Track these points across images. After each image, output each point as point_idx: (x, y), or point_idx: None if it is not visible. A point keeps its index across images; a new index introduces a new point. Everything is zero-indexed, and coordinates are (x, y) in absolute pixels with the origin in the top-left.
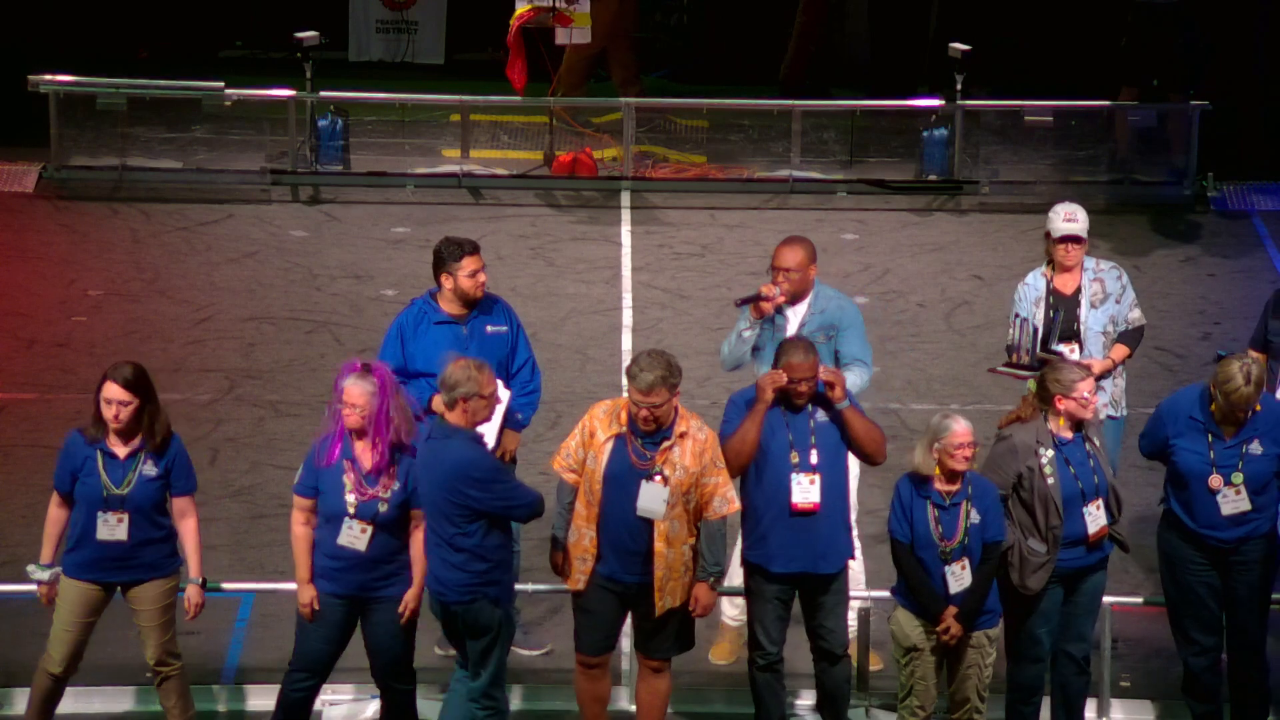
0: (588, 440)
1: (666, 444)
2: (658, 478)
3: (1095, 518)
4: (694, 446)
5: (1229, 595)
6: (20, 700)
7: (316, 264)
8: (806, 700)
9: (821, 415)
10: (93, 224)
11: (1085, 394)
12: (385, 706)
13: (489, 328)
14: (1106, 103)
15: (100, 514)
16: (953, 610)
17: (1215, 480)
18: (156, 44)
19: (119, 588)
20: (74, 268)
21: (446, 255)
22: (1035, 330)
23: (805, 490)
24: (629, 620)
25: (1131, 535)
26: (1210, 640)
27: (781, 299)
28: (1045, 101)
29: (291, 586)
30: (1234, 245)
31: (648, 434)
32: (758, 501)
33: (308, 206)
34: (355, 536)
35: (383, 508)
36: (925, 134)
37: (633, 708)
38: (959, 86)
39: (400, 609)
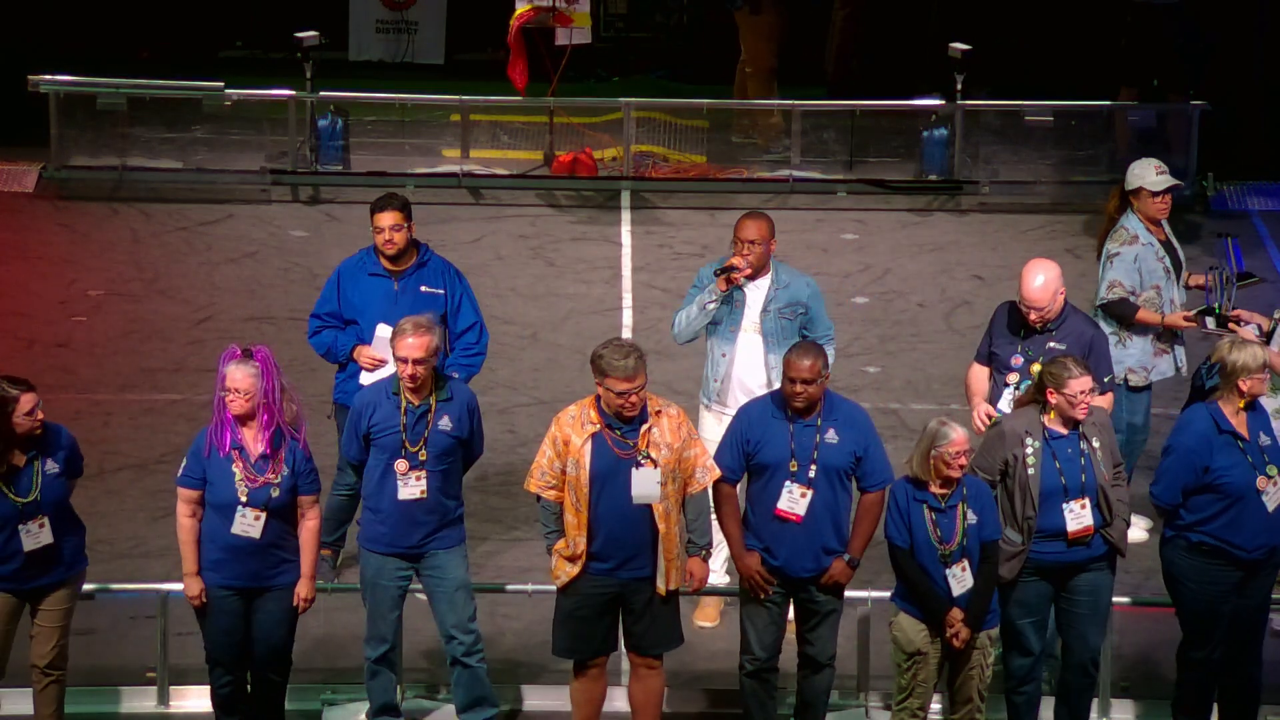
0: (563, 450)
1: (645, 427)
2: (646, 462)
3: (1078, 516)
4: (670, 423)
5: (1248, 599)
6: (16, 700)
7: (316, 264)
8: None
9: (831, 435)
10: (93, 224)
11: (1078, 392)
12: (257, 698)
13: (423, 287)
14: (1106, 103)
15: (21, 527)
16: (958, 613)
17: (1262, 481)
18: (156, 44)
19: (35, 594)
20: (74, 268)
21: (372, 206)
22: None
23: (793, 500)
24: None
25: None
26: (1215, 655)
27: (748, 270)
28: (1045, 101)
29: None
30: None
31: (626, 423)
32: (762, 509)
33: (308, 206)
34: (249, 524)
35: (275, 493)
36: (925, 134)
37: (624, 708)
38: (959, 86)
39: (295, 602)
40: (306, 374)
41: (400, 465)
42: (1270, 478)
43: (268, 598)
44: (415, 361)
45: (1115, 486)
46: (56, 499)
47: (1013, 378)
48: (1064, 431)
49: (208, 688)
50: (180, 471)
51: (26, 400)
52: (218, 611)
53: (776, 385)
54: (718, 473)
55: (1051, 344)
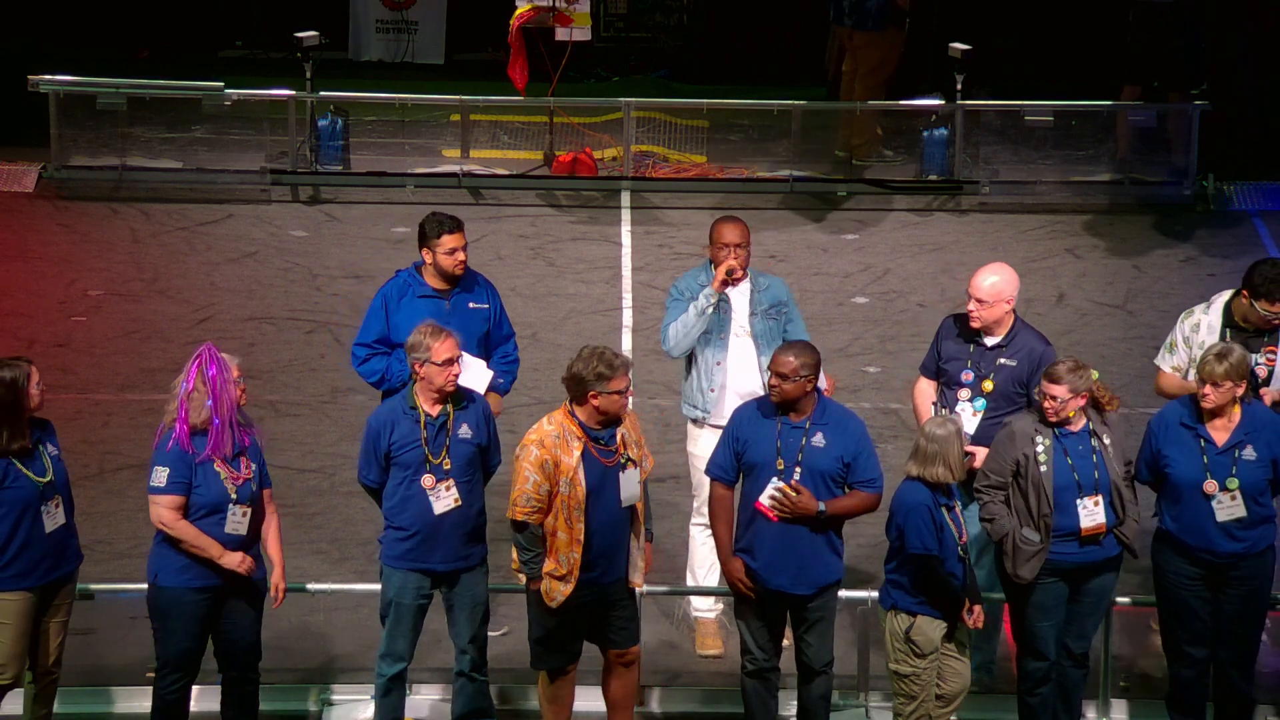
0: (552, 473)
1: (619, 430)
2: (629, 465)
3: (1091, 513)
4: (629, 420)
5: (1220, 608)
6: (10, 701)
7: (316, 264)
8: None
9: (819, 439)
10: (93, 224)
11: (1050, 393)
12: (235, 700)
13: (471, 304)
14: (1107, 103)
15: (43, 507)
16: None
17: (1210, 485)
18: (156, 44)
19: (49, 591)
20: (74, 268)
21: (428, 231)
22: None
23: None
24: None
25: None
26: (1201, 653)
27: (741, 275)
28: (1045, 101)
29: (292, 586)
30: (1234, 245)
31: (606, 427)
32: (749, 509)
33: (308, 206)
34: (239, 522)
35: (253, 488)
36: (925, 134)
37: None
38: (959, 86)
39: (273, 593)
40: (306, 374)
41: (427, 480)
42: (1228, 490)
43: (241, 596)
44: (456, 359)
45: (1126, 487)
46: (64, 481)
47: (964, 393)
48: (1075, 429)
49: (208, 687)
50: (163, 480)
51: (35, 371)
52: (190, 616)
53: None
54: (651, 460)
55: (1002, 360)
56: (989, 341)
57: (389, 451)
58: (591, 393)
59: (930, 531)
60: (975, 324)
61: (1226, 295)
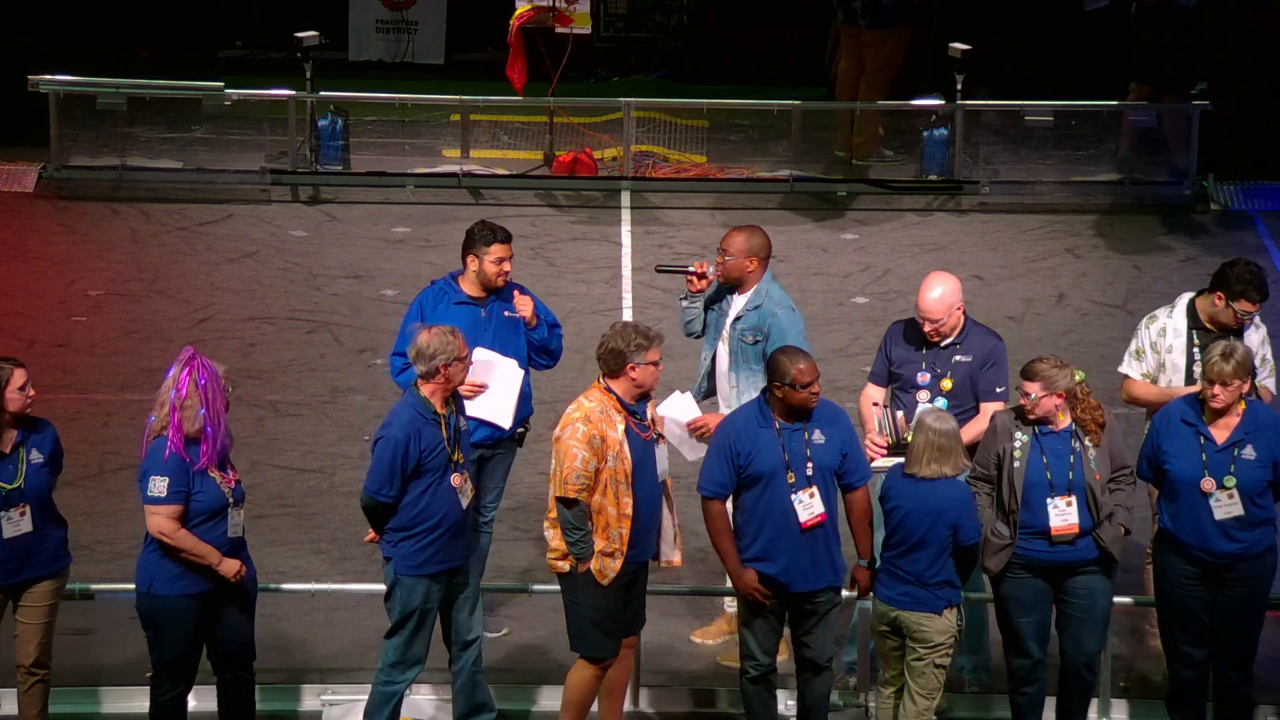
0: (600, 448)
1: (649, 404)
2: (661, 440)
3: (1062, 512)
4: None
5: (1217, 609)
6: (10, 701)
7: (316, 264)
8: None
9: (818, 436)
10: (93, 224)
11: (1024, 389)
12: (230, 700)
13: (506, 313)
14: (1107, 103)
15: (3, 514)
16: None
17: (1207, 483)
18: (156, 44)
19: (14, 590)
20: (74, 268)
21: (478, 238)
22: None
23: (808, 506)
24: None
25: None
26: (1199, 653)
27: (713, 276)
28: (1045, 101)
29: (293, 587)
30: (1234, 246)
31: (639, 401)
32: (758, 518)
33: (308, 206)
34: (236, 524)
35: (242, 489)
36: (925, 134)
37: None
38: (959, 86)
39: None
40: (306, 374)
41: (456, 479)
42: (1225, 488)
43: (232, 597)
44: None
45: (1117, 491)
46: (39, 489)
47: (923, 395)
48: (1057, 428)
49: (203, 688)
50: (163, 490)
51: (19, 375)
52: (187, 622)
53: (735, 402)
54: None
55: (958, 357)
56: (943, 341)
57: (419, 461)
58: (630, 364)
59: (976, 522)
60: (935, 338)
61: (1189, 296)
